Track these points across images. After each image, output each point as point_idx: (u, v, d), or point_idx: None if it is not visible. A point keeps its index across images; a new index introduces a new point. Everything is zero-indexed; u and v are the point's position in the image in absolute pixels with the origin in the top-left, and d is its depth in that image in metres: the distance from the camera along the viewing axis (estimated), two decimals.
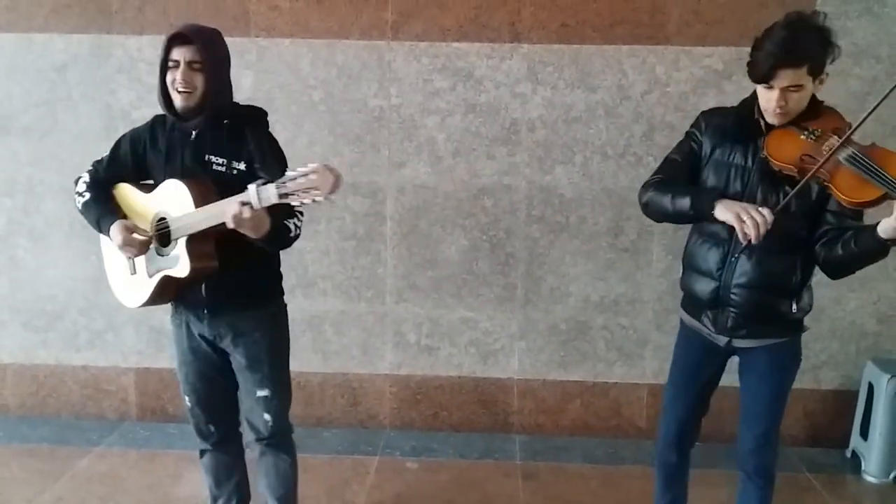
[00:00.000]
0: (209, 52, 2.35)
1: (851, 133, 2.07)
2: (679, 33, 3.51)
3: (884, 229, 2.00)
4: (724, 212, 2.12)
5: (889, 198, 1.96)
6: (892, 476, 3.43)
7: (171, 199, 2.34)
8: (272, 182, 2.10)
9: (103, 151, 3.66)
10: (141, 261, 2.45)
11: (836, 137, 2.08)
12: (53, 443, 3.66)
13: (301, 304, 3.74)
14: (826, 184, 2.07)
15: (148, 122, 2.53)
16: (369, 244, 3.72)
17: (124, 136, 2.55)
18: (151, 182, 2.48)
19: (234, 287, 2.43)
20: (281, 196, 2.09)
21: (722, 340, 2.40)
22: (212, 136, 2.39)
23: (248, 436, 2.67)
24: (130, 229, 2.38)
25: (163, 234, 2.38)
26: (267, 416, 2.57)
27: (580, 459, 3.59)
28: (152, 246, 2.41)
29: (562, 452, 3.66)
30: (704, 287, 2.34)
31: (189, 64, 2.32)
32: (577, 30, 3.53)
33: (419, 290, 3.77)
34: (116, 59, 3.66)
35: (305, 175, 2.05)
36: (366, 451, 3.65)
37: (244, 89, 3.61)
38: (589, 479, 3.41)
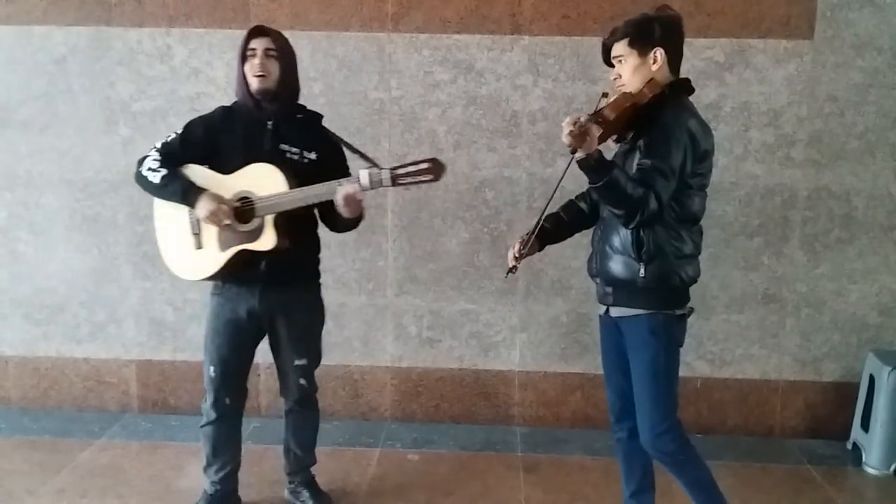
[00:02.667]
0: (282, 44, 2.67)
1: (604, 97, 2.37)
2: None
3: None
4: None
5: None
6: (892, 468, 3.43)
7: (259, 180, 2.58)
8: (380, 168, 2.51)
9: (103, 144, 3.70)
10: (210, 236, 2.64)
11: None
12: (55, 435, 3.66)
13: None
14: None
15: (216, 112, 2.74)
16: (370, 236, 3.72)
17: (195, 121, 2.74)
18: (207, 166, 2.68)
19: (289, 264, 2.70)
20: (393, 179, 2.50)
21: (602, 309, 2.60)
22: (286, 127, 2.68)
23: (283, 394, 2.97)
24: (220, 200, 2.58)
25: (239, 212, 2.60)
26: (303, 381, 2.88)
27: (581, 451, 3.59)
28: (228, 221, 2.60)
29: (563, 444, 3.66)
30: (591, 262, 2.60)
31: (265, 52, 2.62)
32: (578, 21, 3.52)
33: (420, 283, 3.77)
34: (116, 51, 3.65)
35: (417, 164, 2.49)
36: (367, 442, 3.66)
37: None
38: (590, 471, 3.41)
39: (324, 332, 3.76)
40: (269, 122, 2.66)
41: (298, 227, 2.67)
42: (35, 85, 3.70)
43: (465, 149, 3.64)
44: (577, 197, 2.72)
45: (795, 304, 3.67)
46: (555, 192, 2.47)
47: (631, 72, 2.43)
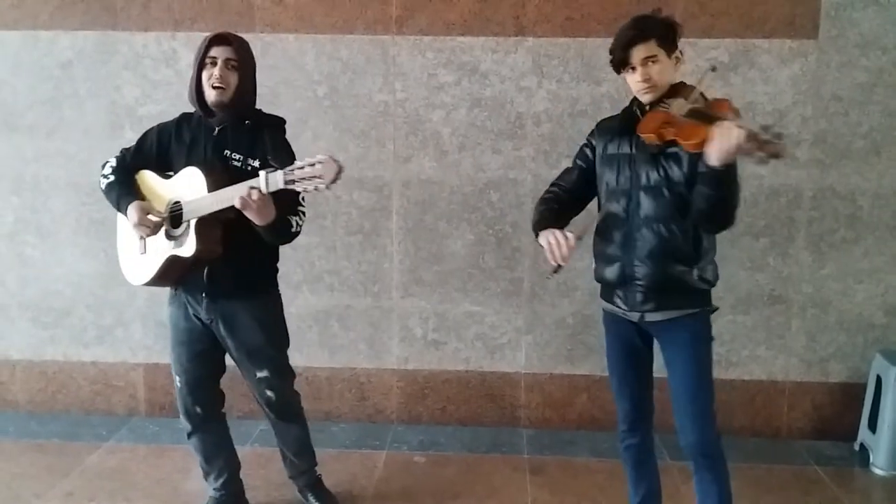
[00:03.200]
0: (244, 53, 2.61)
1: (696, 92, 2.33)
2: (684, 25, 3.42)
3: (708, 156, 2.16)
4: (541, 238, 2.38)
5: None
6: None
7: (186, 185, 2.54)
8: (281, 169, 2.31)
9: (109, 148, 3.70)
10: (152, 241, 2.63)
11: (681, 100, 2.32)
12: (63, 438, 3.68)
13: (307, 299, 3.75)
14: (674, 139, 2.26)
15: (175, 119, 2.74)
16: (375, 239, 3.72)
17: (152, 128, 2.76)
18: (171, 172, 2.67)
19: (233, 275, 2.63)
20: (287, 182, 2.28)
21: (634, 317, 2.48)
22: (233, 133, 2.62)
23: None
24: (146, 210, 2.59)
25: (175, 217, 2.57)
26: (270, 393, 2.82)
27: (587, 453, 3.59)
28: (164, 228, 2.60)
29: (569, 446, 3.66)
30: (612, 269, 2.47)
31: (226, 62, 2.55)
32: (581, 23, 3.52)
33: (425, 285, 3.77)
34: (122, 55, 3.67)
35: (312, 164, 2.25)
36: (373, 445, 3.66)
37: None
38: (596, 472, 3.41)
39: (330, 334, 3.80)
40: (217, 129, 2.63)
41: (241, 234, 2.51)
42: (41, 89, 3.72)
43: (470, 150, 3.64)
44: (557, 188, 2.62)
45: (801, 304, 3.66)
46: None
47: (661, 73, 2.36)
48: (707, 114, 2.22)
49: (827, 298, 3.65)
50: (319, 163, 2.24)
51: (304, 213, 2.63)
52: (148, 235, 2.61)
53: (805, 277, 3.64)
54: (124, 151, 2.75)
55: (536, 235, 2.43)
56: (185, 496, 3.16)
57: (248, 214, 2.38)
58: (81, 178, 3.76)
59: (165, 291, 3.77)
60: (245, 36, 3.50)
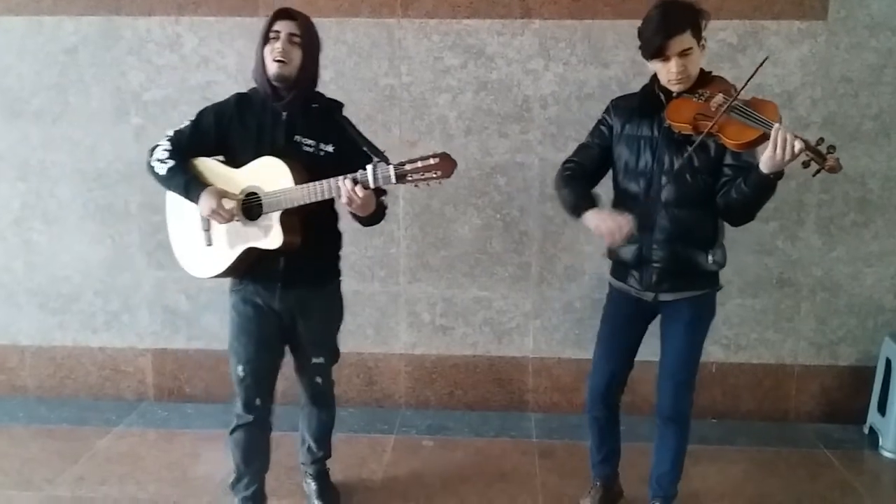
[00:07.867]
0: (308, 29, 2.52)
1: (739, 92, 2.31)
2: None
3: (763, 163, 2.21)
4: (590, 219, 2.45)
5: (766, 137, 2.19)
6: None
7: (266, 175, 2.46)
8: (386, 163, 2.34)
9: (115, 133, 3.71)
10: (220, 232, 2.55)
11: (721, 95, 2.33)
12: (73, 423, 3.70)
13: None
14: (716, 134, 2.29)
15: (231, 100, 2.61)
16: (382, 224, 3.66)
17: (206, 109, 2.61)
18: (235, 159, 2.55)
19: (308, 263, 2.59)
20: (398, 177, 2.32)
21: (649, 296, 2.58)
22: (302, 118, 2.54)
23: (301, 389, 2.89)
24: (223, 196, 2.48)
25: (248, 208, 2.50)
26: (318, 379, 2.83)
27: None
28: (236, 218, 2.50)
29: (577, 430, 3.64)
30: (629, 249, 2.54)
31: (289, 36, 2.46)
32: (589, 4, 3.49)
33: (432, 270, 3.76)
34: (126, 40, 3.65)
35: (426, 159, 2.30)
36: (382, 429, 3.67)
37: None
38: None
39: None
40: (284, 113, 2.52)
41: (315, 224, 2.54)
42: (46, 75, 3.71)
43: (477, 134, 3.62)
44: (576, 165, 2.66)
45: (811, 287, 3.65)
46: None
47: (694, 64, 2.40)
48: (757, 117, 2.24)
49: (836, 282, 3.64)
50: (435, 157, 2.30)
51: (386, 193, 2.59)
52: (222, 223, 2.49)
53: (814, 261, 3.62)
54: (178, 133, 2.56)
55: (577, 214, 2.49)
56: (195, 480, 3.18)
57: (352, 208, 2.42)
58: (87, 164, 3.76)
59: (172, 277, 3.80)
60: (249, 20, 3.55)
